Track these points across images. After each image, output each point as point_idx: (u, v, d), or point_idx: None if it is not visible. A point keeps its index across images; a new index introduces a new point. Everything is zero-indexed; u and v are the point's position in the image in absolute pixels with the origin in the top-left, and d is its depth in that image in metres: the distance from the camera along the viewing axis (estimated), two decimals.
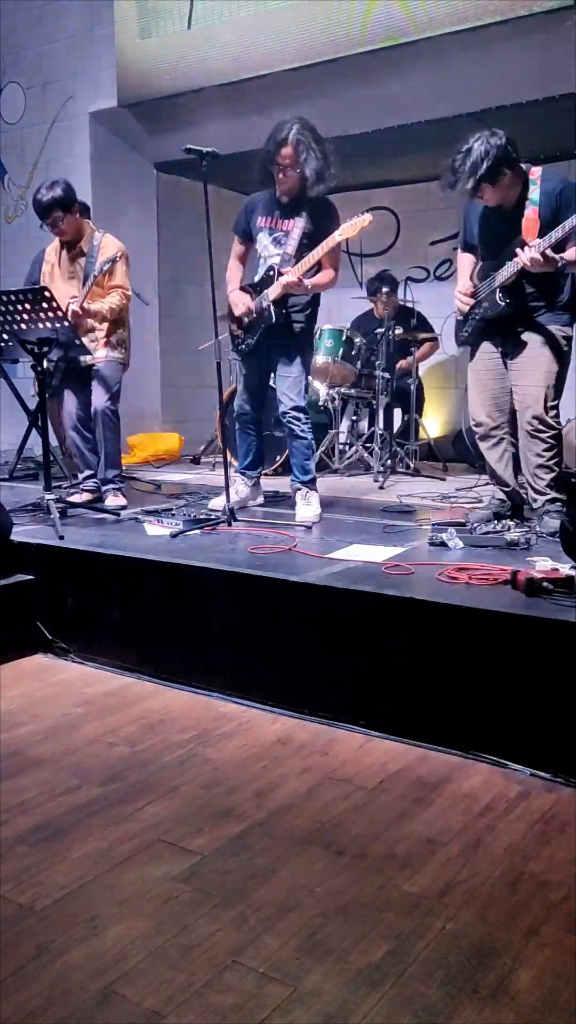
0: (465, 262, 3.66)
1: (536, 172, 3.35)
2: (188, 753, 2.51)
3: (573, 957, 1.62)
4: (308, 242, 3.84)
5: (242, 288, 4.06)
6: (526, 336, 3.43)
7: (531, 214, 3.30)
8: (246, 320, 4.03)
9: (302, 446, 4.04)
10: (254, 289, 4.01)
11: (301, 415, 3.99)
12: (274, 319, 3.91)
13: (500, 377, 3.53)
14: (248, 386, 4.22)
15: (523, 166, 3.36)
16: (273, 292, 3.87)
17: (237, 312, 4.02)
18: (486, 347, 3.56)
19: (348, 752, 2.52)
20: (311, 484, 4.05)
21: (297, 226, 3.88)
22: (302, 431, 4.01)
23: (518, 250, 3.25)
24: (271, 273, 3.91)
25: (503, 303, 3.38)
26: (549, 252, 3.18)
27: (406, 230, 7.15)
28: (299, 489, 4.03)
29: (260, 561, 3.14)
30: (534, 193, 3.32)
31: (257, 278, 4.00)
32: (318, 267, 3.89)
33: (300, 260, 3.81)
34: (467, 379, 3.69)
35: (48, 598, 3.42)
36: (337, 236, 3.74)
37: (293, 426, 4.00)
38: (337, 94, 5.46)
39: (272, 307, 3.89)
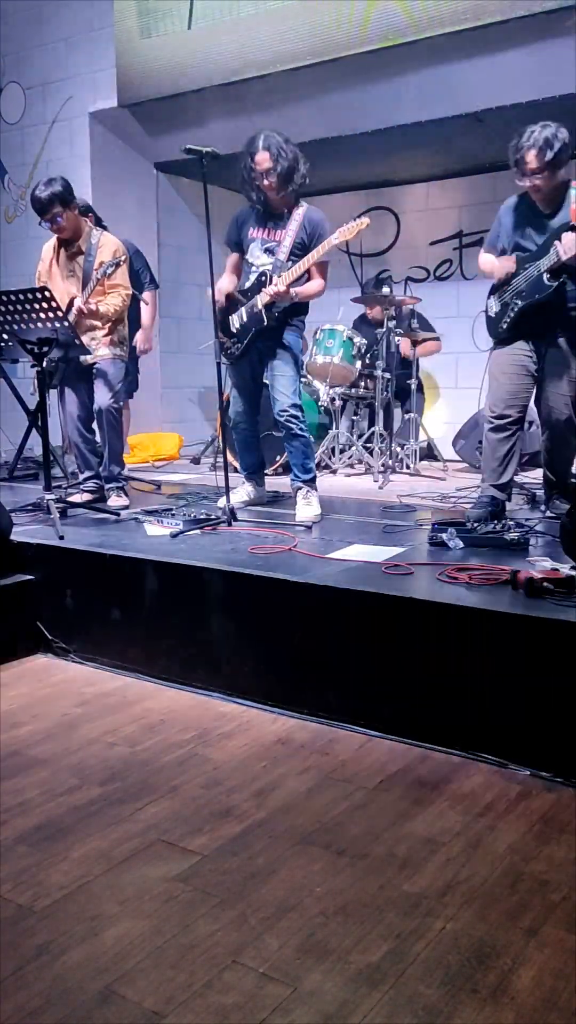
0: (488, 257, 3.72)
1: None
2: (188, 753, 2.51)
3: (573, 957, 1.62)
4: (300, 252, 3.89)
5: (230, 295, 4.07)
6: (560, 341, 3.49)
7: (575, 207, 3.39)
8: (236, 325, 4.04)
9: (301, 444, 4.04)
10: (244, 295, 4.02)
11: (299, 412, 4.00)
12: (266, 322, 3.93)
13: (526, 374, 3.61)
14: (241, 391, 4.22)
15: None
16: (263, 298, 3.89)
17: (232, 316, 4.02)
18: (518, 343, 3.62)
19: (348, 752, 2.52)
20: (312, 483, 4.05)
21: (289, 236, 3.92)
22: (300, 429, 4.01)
23: (564, 233, 3.31)
24: (262, 279, 3.93)
25: (551, 285, 3.42)
26: None
27: (406, 230, 7.15)
28: (300, 488, 4.03)
29: (260, 561, 3.14)
30: None
31: (247, 284, 4.02)
32: (307, 276, 3.92)
33: (292, 268, 3.85)
34: (490, 368, 3.73)
35: (48, 598, 3.42)
36: (334, 239, 3.78)
37: (291, 424, 3.99)
38: (337, 94, 5.46)
39: (264, 311, 3.91)
